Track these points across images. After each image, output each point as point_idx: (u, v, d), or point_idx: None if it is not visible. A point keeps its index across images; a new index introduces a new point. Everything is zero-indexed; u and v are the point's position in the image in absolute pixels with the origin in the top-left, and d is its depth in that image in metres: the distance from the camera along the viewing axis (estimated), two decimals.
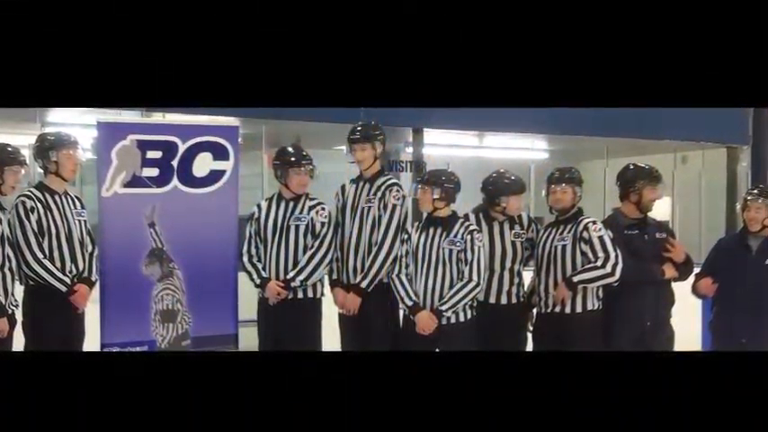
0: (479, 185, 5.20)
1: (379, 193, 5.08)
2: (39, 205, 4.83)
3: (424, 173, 5.59)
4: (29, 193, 4.86)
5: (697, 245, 9.05)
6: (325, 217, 5.12)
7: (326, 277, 5.21)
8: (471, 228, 4.95)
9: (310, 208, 5.12)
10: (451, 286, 4.86)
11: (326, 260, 5.09)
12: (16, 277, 4.78)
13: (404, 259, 4.99)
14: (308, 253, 5.06)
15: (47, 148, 4.92)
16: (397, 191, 5.08)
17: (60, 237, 4.87)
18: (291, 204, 5.14)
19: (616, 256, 4.91)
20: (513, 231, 5.16)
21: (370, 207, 5.09)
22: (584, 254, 4.96)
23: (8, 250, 4.70)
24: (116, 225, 5.12)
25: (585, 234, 4.96)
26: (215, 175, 5.28)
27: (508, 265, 5.13)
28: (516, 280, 5.17)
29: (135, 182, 5.12)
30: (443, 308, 4.83)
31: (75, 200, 5.03)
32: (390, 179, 5.16)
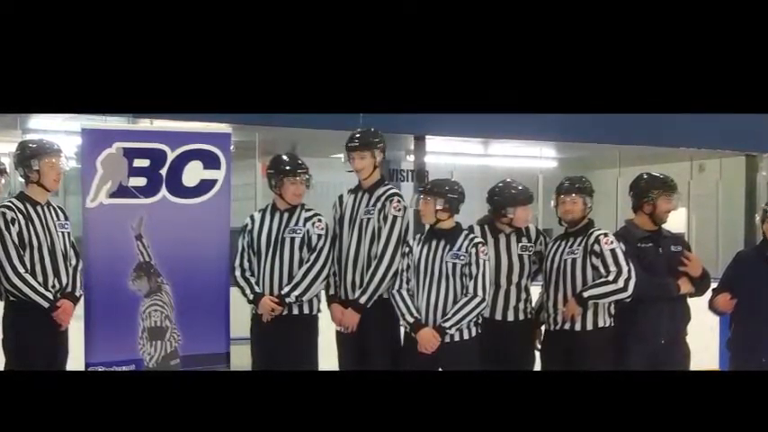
0: (485, 196, 5.21)
1: (379, 204, 5.08)
2: (20, 216, 4.84)
3: (427, 182, 5.59)
4: (9, 204, 4.87)
5: (714, 258, 9.06)
6: (322, 229, 5.12)
7: (323, 292, 5.20)
8: (476, 240, 4.95)
9: (306, 219, 5.13)
10: (455, 302, 4.85)
11: (323, 274, 5.09)
12: None
13: (405, 273, 4.98)
14: (304, 267, 5.06)
15: (28, 156, 4.92)
16: (398, 201, 5.08)
17: (42, 250, 4.88)
18: (286, 216, 5.15)
19: (629, 271, 4.91)
20: (521, 244, 5.16)
21: (369, 218, 5.08)
22: (595, 268, 4.96)
23: None
24: (101, 237, 5.11)
25: (597, 247, 4.95)
26: (206, 185, 5.27)
27: (515, 279, 5.13)
28: (523, 295, 5.17)
29: (121, 192, 5.11)
30: (447, 325, 4.83)
31: (59, 211, 5.04)
32: (391, 189, 5.16)
